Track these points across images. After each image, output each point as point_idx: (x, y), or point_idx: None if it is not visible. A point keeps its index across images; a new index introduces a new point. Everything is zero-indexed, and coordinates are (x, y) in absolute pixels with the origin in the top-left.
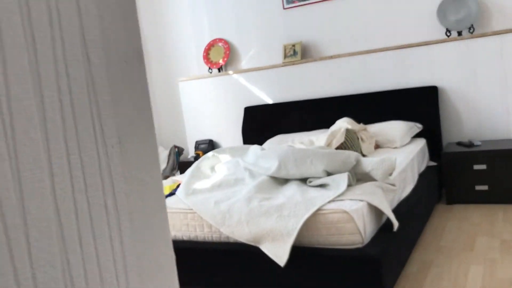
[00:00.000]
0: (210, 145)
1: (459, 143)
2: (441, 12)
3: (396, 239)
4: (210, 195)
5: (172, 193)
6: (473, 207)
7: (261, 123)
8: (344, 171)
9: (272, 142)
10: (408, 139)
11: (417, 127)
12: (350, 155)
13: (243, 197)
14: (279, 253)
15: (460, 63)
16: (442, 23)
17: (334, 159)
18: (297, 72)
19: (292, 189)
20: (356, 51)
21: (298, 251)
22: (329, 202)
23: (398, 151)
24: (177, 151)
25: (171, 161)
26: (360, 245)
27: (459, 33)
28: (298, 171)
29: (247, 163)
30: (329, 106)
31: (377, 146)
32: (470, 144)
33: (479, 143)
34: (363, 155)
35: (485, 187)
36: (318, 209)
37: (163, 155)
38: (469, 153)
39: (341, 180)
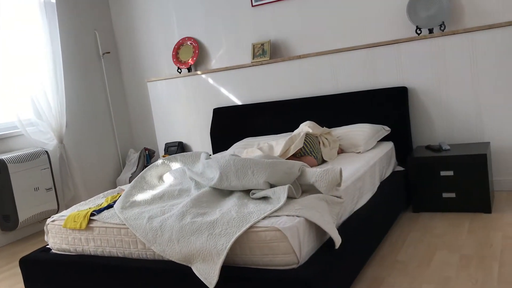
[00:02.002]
0: (179, 148)
1: (428, 147)
2: (412, 9)
3: (341, 257)
4: (147, 208)
5: (110, 205)
6: (440, 216)
7: (229, 125)
8: (287, 183)
9: (238, 146)
10: (374, 143)
11: (384, 130)
12: (294, 165)
13: (177, 212)
14: (209, 275)
15: (431, 62)
16: (412, 20)
17: (276, 169)
18: (265, 72)
19: (231, 202)
20: (325, 50)
21: (230, 271)
22: (264, 218)
23: (360, 156)
24: (148, 154)
25: (141, 164)
26: (295, 266)
27: (430, 31)
28: (239, 183)
29: (193, 172)
30: (297, 108)
31: (341, 151)
32: (439, 149)
33: (448, 147)
34: (324, 161)
35: (452, 195)
36: (251, 227)
37: (134, 157)
38: (436, 158)
39: (282, 193)
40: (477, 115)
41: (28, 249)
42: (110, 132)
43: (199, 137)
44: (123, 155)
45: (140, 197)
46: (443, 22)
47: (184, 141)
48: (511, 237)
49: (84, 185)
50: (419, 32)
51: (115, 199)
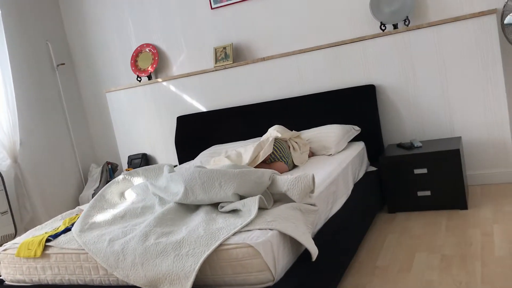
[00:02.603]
0: (143, 160)
1: (400, 145)
2: (375, 5)
3: (319, 268)
4: (107, 230)
5: (68, 229)
6: (416, 215)
7: (195, 133)
8: (258, 193)
9: (205, 155)
10: (345, 144)
11: (354, 130)
12: (264, 174)
13: (140, 233)
14: None
15: (397, 58)
16: (376, 16)
17: (245, 179)
18: (229, 76)
19: (199, 218)
20: (289, 51)
21: None
22: (235, 234)
23: (332, 159)
24: (111, 168)
25: (104, 179)
26: (270, 283)
27: (395, 26)
28: (206, 196)
29: (156, 187)
30: (264, 112)
31: (312, 154)
32: (411, 146)
33: (420, 144)
34: (295, 166)
35: (427, 193)
36: (221, 244)
37: (96, 172)
38: (409, 156)
39: (252, 204)
40: (446, 109)
41: None
42: (69, 147)
43: (163, 147)
44: (85, 170)
45: (100, 217)
46: (407, 17)
47: (148, 152)
48: (490, 234)
49: (43, 205)
50: (383, 28)
51: (73, 221)
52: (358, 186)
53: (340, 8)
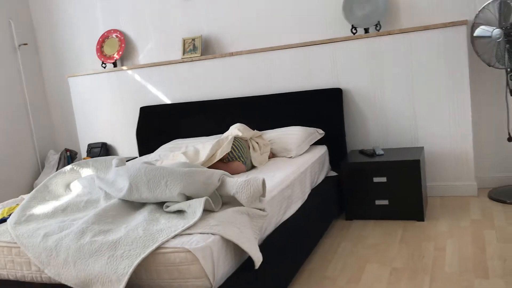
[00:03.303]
0: (103, 149)
1: (362, 152)
2: (347, 7)
3: (262, 277)
4: (44, 224)
5: (4, 219)
6: (373, 224)
7: (157, 126)
8: (206, 194)
9: (165, 149)
10: (307, 147)
11: (318, 133)
12: (213, 175)
13: (76, 229)
14: None
15: (366, 63)
16: (348, 19)
17: (193, 180)
18: (196, 69)
19: (141, 217)
20: (258, 48)
21: None
22: (175, 237)
23: (291, 161)
24: (69, 155)
25: (61, 166)
26: None
27: (366, 30)
28: (151, 195)
29: (103, 181)
30: (229, 108)
31: (273, 155)
32: (373, 153)
33: (381, 152)
34: (254, 167)
35: (385, 202)
36: (159, 247)
37: (54, 159)
38: (369, 164)
39: (198, 206)
40: (412, 118)
41: None
42: (27, 131)
43: (125, 138)
44: (42, 156)
45: (40, 209)
46: (379, 22)
47: (108, 142)
48: (442, 249)
49: None
50: (354, 31)
51: (11, 212)
52: (316, 191)
53: (313, 7)
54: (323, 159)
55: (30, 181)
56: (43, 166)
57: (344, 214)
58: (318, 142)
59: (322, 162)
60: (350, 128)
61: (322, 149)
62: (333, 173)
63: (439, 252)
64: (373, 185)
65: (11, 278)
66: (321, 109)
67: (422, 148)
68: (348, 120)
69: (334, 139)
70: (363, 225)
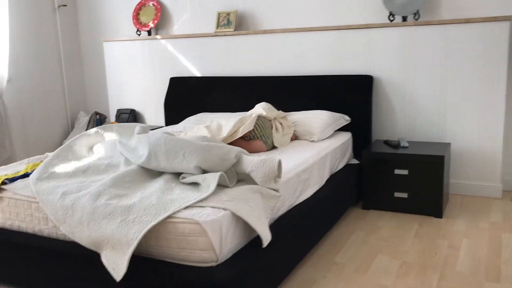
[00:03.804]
0: (132, 116)
1: (386, 142)
2: None
3: (269, 256)
4: (64, 182)
5: (27, 174)
6: (389, 216)
7: (185, 97)
8: (222, 170)
9: (191, 121)
10: (330, 132)
11: (344, 119)
12: (230, 151)
13: (93, 191)
14: (117, 265)
15: (401, 52)
16: (386, 5)
17: (210, 154)
18: (228, 44)
19: (157, 186)
20: (292, 27)
21: (142, 263)
22: (186, 208)
23: (313, 145)
24: (99, 119)
25: (90, 128)
26: (213, 264)
27: (404, 19)
28: (169, 165)
29: (124, 147)
30: (257, 86)
31: (295, 138)
32: (397, 145)
33: (406, 144)
34: (275, 147)
35: (404, 195)
36: (169, 217)
37: (83, 121)
38: (392, 155)
39: (212, 180)
40: (441, 113)
41: None
42: (60, 91)
43: (153, 106)
44: (73, 117)
45: (62, 168)
46: (418, 10)
47: (137, 109)
48: (457, 248)
49: (24, 145)
50: (392, 18)
51: (35, 168)
52: (335, 177)
53: None
54: (346, 146)
55: (59, 140)
56: (73, 127)
57: (361, 203)
58: (343, 129)
59: (345, 149)
60: (377, 117)
61: (346, 136)
62: (355, 161)
63: (452, 250)
64: (394, 177)
65: (29, 231)
66: (349, 95)
67: (448, 144)
68: (376, 109)
69: (360, 127)
70: (379, 216)
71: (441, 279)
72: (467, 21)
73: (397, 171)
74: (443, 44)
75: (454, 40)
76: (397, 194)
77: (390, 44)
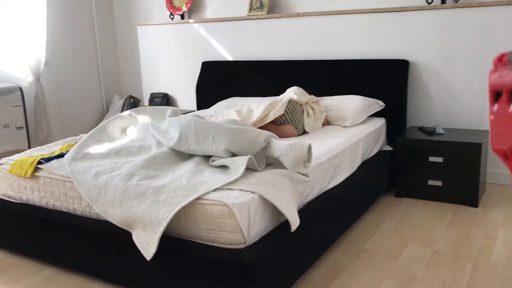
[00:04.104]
0: (164, 100)
1: (421, 129)
2: None
3: (297, 240)
4: (97, 163)
5: (62, 155)
6: (422, 204)
7: (217, 82)
8: (251, 153)
9: (222, 105)
10: (364, 118)
11: (378, 105)
12: (260, 135)
13: (126, 171)
14: (148, 244)
15: (439, 36)
16: None
17: (239, 137)
18: (261, 28)
19: (187, 168)
20: (326, 10)
21: (172, 243)
22: (215, 190)
23: (345, 131)
24: (133, 102)
25: None
26: (241, 246)
27: (443, 1)
28: (199, 147)
29: (156, 129)
30: (289, 70)
31: (327, 123)
32: (432, 132)
33: (442, 131)
34: (306, 132)
35: (439, 183)
36: (199, 198)
37: (118, 104)
38: (427, 142)
39: (241, 164)
40: (480, 100)
41: None
42: (95, 75)
43: (185, 90)
44: (107, 100)
45: (95, 149)
46: None
47: (170, 93)
48: (492, 238)
49: (60, 127)
50: (430, 1)
51: (70, 148)
52: (367, 164)
53: None
54: (379, 132)
55: (94, 122)
56: (107, 110)
57: (393, 191)
58: (376, 114)
59: (378, 135)
60: (412, 103)
61: (380, 122)
62: (388, 148)
63: (488, 241)
64: (428, 165)
65: (64, 210)
66: (384, 80)
67: (486, 132)
68: (411, 95)
69: (394, 112)
70: (412, 204)
71: (475, 270)
72: (510, 3)
73: (431, 159)
74: (484, 28)
75: (496, 23)
76: (431, 182)
77: (428, 28)
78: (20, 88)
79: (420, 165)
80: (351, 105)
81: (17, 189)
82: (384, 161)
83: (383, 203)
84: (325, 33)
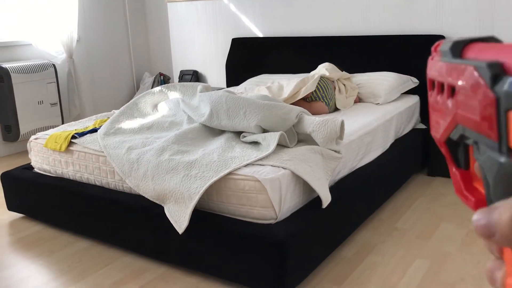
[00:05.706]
0: (194, 77)
1: None
2: None
3: (328, 217)
4: (130, 138)
5: (95, 130)
6: None
7: (247, 58)
8: (282, 129)
9: (252, 82)
10: (397, 95)
11: (412, 81)
12: (291, 111)
13: (157, 146)
14: (179, 218)
15: (477, 10)
16: None
17: (271, 113)
18: (291, 3)
19: (218, 143)
20: None
21: (204, 217)
22: (247, 165)
23: (377, 108)
24: (163, 79)
25: None
26: (272, 221)
27: None
28: (230, 123)
29: (187, 105)
30: (320, 46)
31: (359, 100)
32: None
33: None
34: (337, 109)
35: None
36: (230, 173)
37: (148, 81)
38: None
39: (272, 140)
40: None
41: (25, 162)
42: (126, 51)
43: (215, 68)
44: (138, 77)
45: (127, 124)
46: None
47: (200, 70)
48: None
49: (92, 104)
50: None
51: (103, 123)
52: (400, 142)
53: None
54: (412, 109)
55: (125, 99)
56: (138, 87)
57: (426, 170)
58: (410, 91)
59: (411, 112)
60: None
61: (414, 99)
62: (422, 126)
63: None
64: None
65: (97, 184)
66: (419, 57)
67: None
68: None
69: None
70: (445, 183)
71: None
72: None
73: None
74: None
75: None
76: None
77: (466, 2)
78: (54, 65)
79: None
80: (384, 82)
81: (52, 163)
82: (417, 139)
83: (416, 182)
84: (358, 8)
